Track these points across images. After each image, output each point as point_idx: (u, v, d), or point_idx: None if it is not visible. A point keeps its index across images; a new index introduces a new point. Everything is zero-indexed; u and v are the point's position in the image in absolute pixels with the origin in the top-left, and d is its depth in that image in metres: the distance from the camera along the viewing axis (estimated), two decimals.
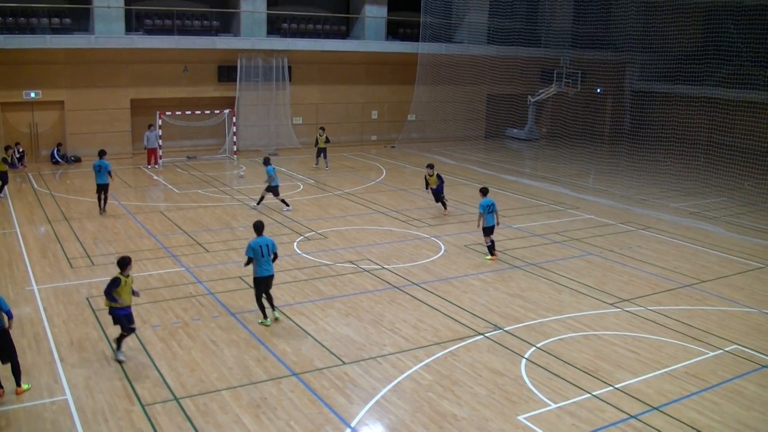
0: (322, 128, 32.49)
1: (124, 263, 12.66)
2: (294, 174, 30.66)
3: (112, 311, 12.69)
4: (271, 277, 14.46)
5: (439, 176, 24.54)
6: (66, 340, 13.52)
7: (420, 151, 38.06)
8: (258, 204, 24.37)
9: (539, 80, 42.96)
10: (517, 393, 11.97)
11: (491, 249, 19.33)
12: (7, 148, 29.01)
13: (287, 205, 24.17)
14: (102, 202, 23.14)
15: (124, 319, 12.68)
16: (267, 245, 14.31)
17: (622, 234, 22.56)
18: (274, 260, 14.50)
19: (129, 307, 12.81)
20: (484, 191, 19.68)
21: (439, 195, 24.62)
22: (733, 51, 34.24)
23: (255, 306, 14.82)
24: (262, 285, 14.42)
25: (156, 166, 31.85)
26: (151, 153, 31.96)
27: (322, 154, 32.20)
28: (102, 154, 23.50)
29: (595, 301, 16.49)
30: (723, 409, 11.65)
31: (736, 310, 16.22)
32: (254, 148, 36.58)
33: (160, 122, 32.10)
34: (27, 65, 31.10)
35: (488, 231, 19.17)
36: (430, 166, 24.54)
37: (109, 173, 22.96)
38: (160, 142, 31.95)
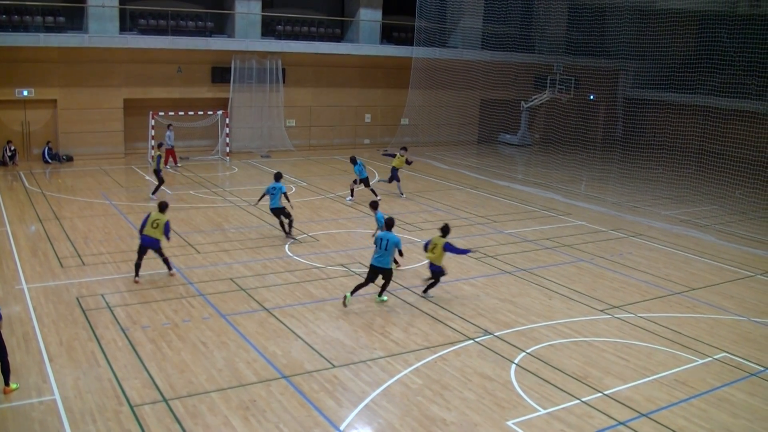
0: (404, 148, 28.36)
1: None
2: (286, 176, 30.60)
3: None
4: (381, 269, 15.58)
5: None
6: (55, 340, 13.47)
7: (412, 155, 37.98)
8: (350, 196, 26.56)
9: (533, 86, 43.04)
10: (507, 398, 11.98)
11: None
12: None
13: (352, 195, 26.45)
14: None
15: None
16: (388, 240, 15.46)
17: (613, 241, 22.62)
18: (401, 255, 16.15)
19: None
20: (374, 205, 18.67)
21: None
22: (725, 60, 34.38)
23: (244, 308, 15.11)
24: (372, 273, 15.72)
25: (177, 166, 31.91)
26: (170, 153, 31.63)
27: (395, 177, 27.79)
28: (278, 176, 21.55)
29: (586, 307, 16.52)
30: (711, 416, 11.68)
31: (725, 318, 16.28)
32: (247, 150, 36.54)
33: (153, 122, 32.04)
34: (20, 63, 30.98)
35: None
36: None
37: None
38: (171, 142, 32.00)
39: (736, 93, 34.49)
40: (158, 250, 16.95)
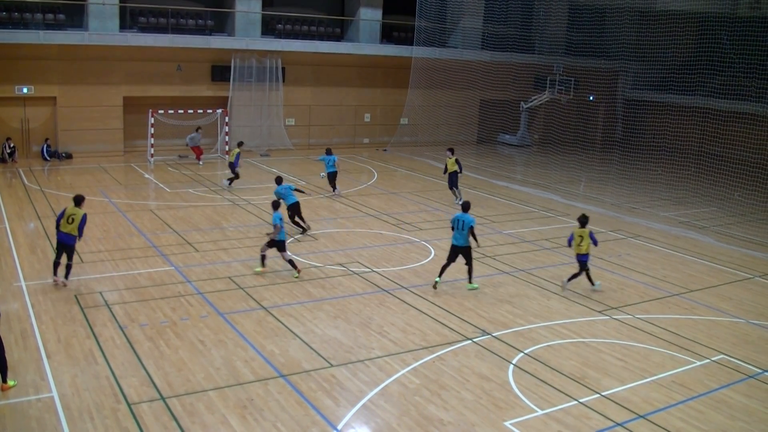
0: (451, 150, 27.33)
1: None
2: (286, 175, 30.59)
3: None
4: (461, 247, 16.94)
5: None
6: (53, 337, 13.47)
7: (412, 155, 38.11)
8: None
9: (532, 87, 43.02)
10: (504, 399, 11.98)
11: None
12: None
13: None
14: None
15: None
16: (463, 221, 16.86)
17: (611, 242, 22.63)
18: (471, 234, 16.90)
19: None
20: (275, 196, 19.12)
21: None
22: (725, 61, 34.41)
23: (242, 307, 15.15)
24: (453, 252, 17.09)
25: (200, 163, 32.65)
26: (197, 150, 32.77)
27: (455, 184, 26.86)
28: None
29: (584, 308, 16.53)
30: (708, 418, 11.69)
31: (723, 320, 16.29)
32: (246, 149, 36.49)
33: (152, 120, 32.04)
34: (20, 60, 30.98)
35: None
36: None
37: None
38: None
39: (735, 95, 34.50)
40: (70, 250, 16.10)
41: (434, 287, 17.17)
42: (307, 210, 24.43)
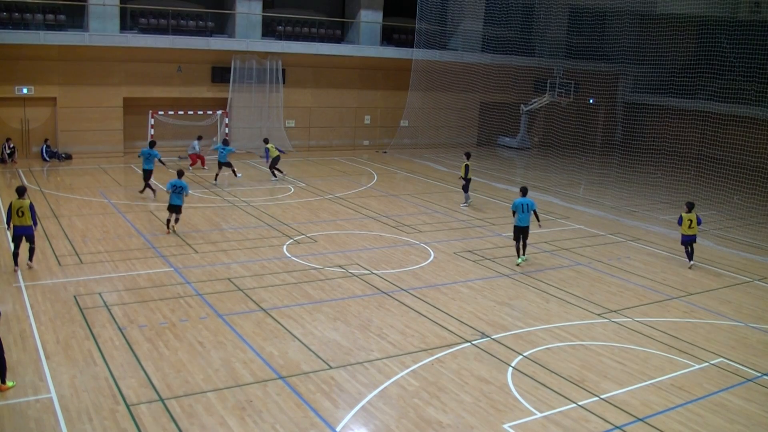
0: (467, 154, 27.82)
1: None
2: (285, 177, 30.63)
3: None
4: (525, 227, 19.46)
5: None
6: (52, 338, 13.47)
7: (412, 157, 38.11)
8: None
9: (532, 89, 43.05)
10: (503, 401, 11.98)
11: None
12: None
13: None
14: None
15: None
16: (527, 204, 19.33)
17: (611, 245, 22.64)
18: (535, 215, 19.66)
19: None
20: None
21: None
22: (725, 65, 34.43)
23: (241, 308, 15.23)
24: (518, 232, 19.53)
25: (205, 168, 32.28)
26: (199, 158, 32.33)
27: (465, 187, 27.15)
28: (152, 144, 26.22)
29: (583, 311, 16.53)
30: (707, 421, 11.69)
31: (723, 324, 16.29)
32: (246, 150, 36.53)
33: (152, 122, 32.04)
34: (20, 61, 30.99)
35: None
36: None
37: (160, 160, 25.85)
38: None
39: (735, 98, 34.53)
40: (30, 237, 17.01)
41: (518, 265, 19.59)
42: (307, 212, 24.46)
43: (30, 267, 17.16)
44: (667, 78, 38.49)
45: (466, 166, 26.49)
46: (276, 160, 29.83)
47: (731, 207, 29.17)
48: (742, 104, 34.91)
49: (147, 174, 25.56)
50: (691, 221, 20.22)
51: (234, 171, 29.50)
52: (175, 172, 21.98)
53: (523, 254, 19.84)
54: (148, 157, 25.35)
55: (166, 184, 21.48)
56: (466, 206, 26.92)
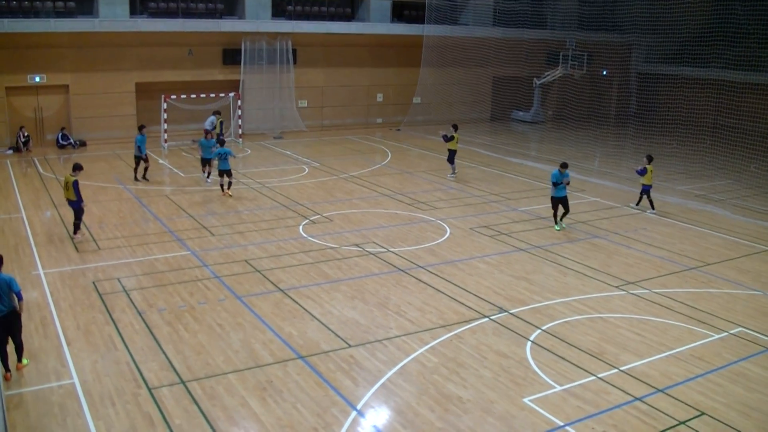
0: (455, 126, 27.87)
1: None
2: (299, 157, 30.64)
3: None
4: (560, 198, 20.58)
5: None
6: (73, 324, 13.59)
7: (425, 134, 37.98)
8: None
9: (545, 62, 42.76)
10: (523, 375, 12.01)
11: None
12: None
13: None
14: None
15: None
16: (564, 176, 20.45)
17: (627, 217, 22.55)
18: (567, 185, 20.62)
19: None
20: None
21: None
22: (740, 33, 33.97)
23: (259, 289, 15.32)
24: (555, 202, 20.71)
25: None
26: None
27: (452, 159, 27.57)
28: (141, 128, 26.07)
29: (601, 283, 16.50)
30: (727, 391, 11.68)
31: (741, 293, 16.22)
32: (259, 132, 36.54)
33: (165, 105, 32.06)
34: (31, 49, 31.06)
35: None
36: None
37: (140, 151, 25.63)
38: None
39: (750, 66, 34.11)
40: (75, 211, 18.63)
41: (555, 229, 20.76)
42: (322, 191, 24.47)
43: (74, 239, 18.64)
44: (681, 47, 38.12)
45: (453, 137, 26.87)
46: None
47: (748, 175, 28.95)
48: (757, 72, 34.50)
49: (138, 161, 25.80)
50: (651, 172, 22.81)
51: (210, 173, 25.80)
52: (212, 145, 24.53)
53: (561, 221, 20.96)
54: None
55: (213, 152, 23.97)
56: (453, 177, 27.23)
